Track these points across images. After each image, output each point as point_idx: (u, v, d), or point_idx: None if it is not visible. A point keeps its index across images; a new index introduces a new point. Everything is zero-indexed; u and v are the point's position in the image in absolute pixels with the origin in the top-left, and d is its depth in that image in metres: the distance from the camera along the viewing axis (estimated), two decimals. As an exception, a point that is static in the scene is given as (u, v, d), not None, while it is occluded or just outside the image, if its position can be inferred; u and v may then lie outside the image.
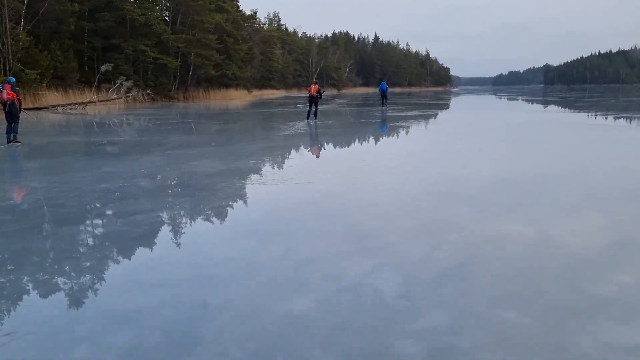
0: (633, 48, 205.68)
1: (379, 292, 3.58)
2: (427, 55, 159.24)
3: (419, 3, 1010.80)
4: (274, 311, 3.28)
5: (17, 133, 12.72)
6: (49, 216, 6.00)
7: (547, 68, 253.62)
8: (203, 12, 40.07)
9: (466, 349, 2.81)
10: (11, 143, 12.39)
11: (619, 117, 22.70)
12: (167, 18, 41.91)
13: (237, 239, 5.09)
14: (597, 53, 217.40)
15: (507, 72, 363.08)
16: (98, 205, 6.48)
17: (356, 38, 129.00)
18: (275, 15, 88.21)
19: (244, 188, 7.61)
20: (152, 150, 12.11)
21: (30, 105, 27.10)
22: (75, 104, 26.99)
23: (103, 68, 29.09)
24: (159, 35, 37.22)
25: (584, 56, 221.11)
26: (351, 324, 3.11)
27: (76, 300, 3.60)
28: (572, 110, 29.82)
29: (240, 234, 5.25)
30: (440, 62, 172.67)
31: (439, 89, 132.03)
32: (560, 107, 33.44)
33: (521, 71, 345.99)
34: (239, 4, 52.95)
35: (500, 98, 54.83)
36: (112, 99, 28.70)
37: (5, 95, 12.30)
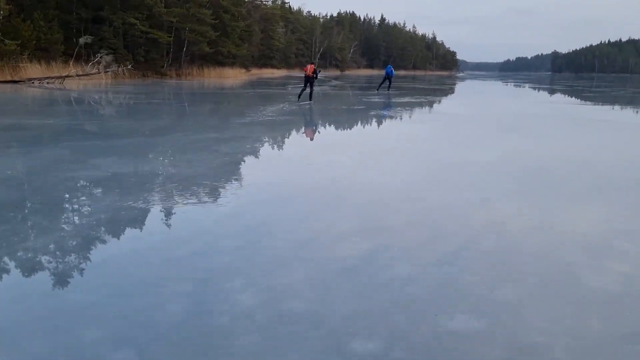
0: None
1: None
2: (434, 38, 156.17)
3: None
4: None
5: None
6: None
7: (555, 55, 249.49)
8: (198, -15, 38.20)
9: None
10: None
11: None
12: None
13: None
14: (606, 41, 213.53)
15: (514, 58, 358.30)
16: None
17: (362, 19, 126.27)
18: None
19: (120, 211, 5.08)
20: (61, 139, 9.83)
21: (9, 78, 25.68)
22: (52, 77, 25.44)
23: (82, 40, 27.40)
24: (151, 8, 35.39)
25: (593, 44, 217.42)
26: None
27: None
28: (589, 103, 28.29)
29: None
30: (447, 46, 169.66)
31: (444, 73, 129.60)
32: (571, 98, 31.87)
33: (529, 57, 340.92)
34: (238, -21, 50.86)
35: (507, 84, 53.08)
36: (90, 74, 27.11)
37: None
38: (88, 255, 3.99)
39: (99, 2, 33.81)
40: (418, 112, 18.18)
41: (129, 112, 16.58)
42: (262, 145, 10.21)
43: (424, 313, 3.12)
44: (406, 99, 24.06)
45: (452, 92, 37.20)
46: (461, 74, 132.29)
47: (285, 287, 3.43)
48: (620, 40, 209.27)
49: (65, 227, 4.66)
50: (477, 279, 3.62)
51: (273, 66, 65.88)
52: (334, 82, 43.51)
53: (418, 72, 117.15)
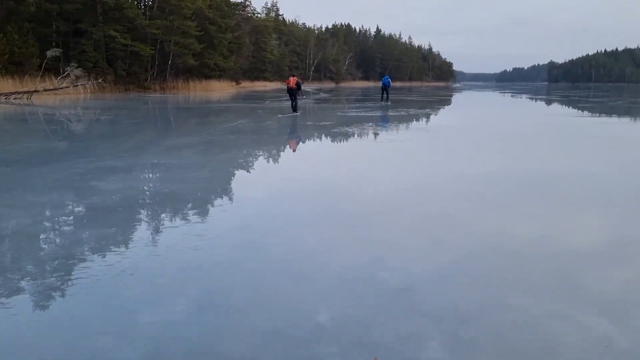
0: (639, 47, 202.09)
1: None
2: (430, 49, 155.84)
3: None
4: None
5: None
6: None
7: (551, 65, 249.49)
8: (183, -4, 37.21)
9: None
10: None
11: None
12: (144, 3, 39.08)
13: None
14: (603, 51, 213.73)
15: (511, 69, 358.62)
16: None
17: (357, 30, 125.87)
18: (274, 4, 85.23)
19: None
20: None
21: (-22, 93, 24.54)
22: (19, 92, 24.25)
23: (49, 53, 26.26)
24: (132, 20, 34.34)
25: (589, 54, 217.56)
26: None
27: None
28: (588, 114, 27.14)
29: None
30: (444, 57, 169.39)
31: (441, 84, 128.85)
32: (569, 108, 30.72)
33: (525, 68, 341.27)
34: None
35: (504, 94, 51.99)
36: (60, 88, 25.92)
37: None
38: None
39: (77, 14, 32.77)
40: (409, 126, 16.83)
41: (57, 131, 14.29)
42: (149, 180, 7.45)
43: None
44: (398, 112, 22.78)
45: (449, 104, 36.01)
46: (457, 85, 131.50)
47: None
48: (616, 49, 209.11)
49: None
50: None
51: (265, 79, 64.84)
52: (322, 95, 42.04)
53: (414, 84, 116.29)
